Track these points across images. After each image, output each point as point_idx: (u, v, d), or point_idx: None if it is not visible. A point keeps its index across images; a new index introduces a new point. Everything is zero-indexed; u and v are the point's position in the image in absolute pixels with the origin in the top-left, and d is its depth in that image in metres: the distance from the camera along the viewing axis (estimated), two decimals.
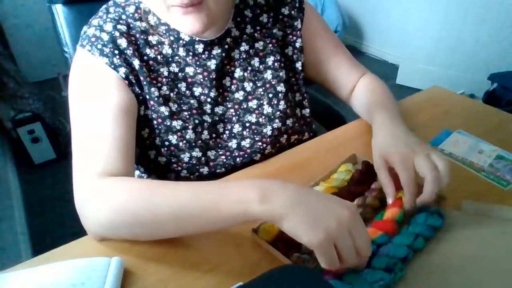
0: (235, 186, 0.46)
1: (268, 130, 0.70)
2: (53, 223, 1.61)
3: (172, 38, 0.63)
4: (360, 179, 0.60)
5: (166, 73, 0.64)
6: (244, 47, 0.68)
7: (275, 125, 0.70)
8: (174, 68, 0.65)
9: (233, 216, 0.44)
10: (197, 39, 0.63)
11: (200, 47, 0.64)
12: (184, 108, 0.65)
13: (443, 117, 0.83)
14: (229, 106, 0.69)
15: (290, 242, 0.50)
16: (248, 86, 0.69)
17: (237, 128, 0.69)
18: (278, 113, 0.70)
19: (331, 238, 0.40)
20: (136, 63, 0.61)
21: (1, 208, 1.53)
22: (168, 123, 0.64)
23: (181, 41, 0.64)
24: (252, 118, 0.69)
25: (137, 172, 0.75)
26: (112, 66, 0.59)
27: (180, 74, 0.65)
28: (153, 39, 0.63)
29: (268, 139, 0.70)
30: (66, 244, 0.54)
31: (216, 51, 0.65)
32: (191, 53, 0.65)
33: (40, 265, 0.49)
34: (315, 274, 0.38)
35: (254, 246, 0.53)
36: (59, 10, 0.82)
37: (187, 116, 0.66)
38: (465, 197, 0.59)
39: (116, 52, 0.60)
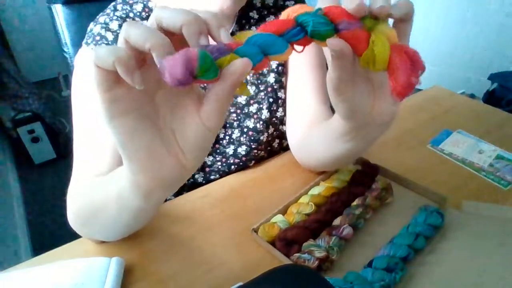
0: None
1: (264, 137, 0.69)
2: (53, 223, 1.61)
3: None
4: (360, 179, 0.60)
5: None
6: None
7: (270, 131, 0.70)
8: None
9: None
10: None
11: None
12: None
13: (443, 117, 0.83)
14: (231, 110, 0.68)
15: (290, 242, 0.50)
16: (251, 89, 0.68)
17: (236, 133, 0.68)
18: (274, 119, 0.70)
19: None
20: None
21: (1, 208, 1.53)
22: None
23: None
24: (251, 123, 0.68)
25: None
26: None
27: None
28: None
29: (263, 146, 0.70)
30: (66, 244, 0.54)
31: None
32: None
33: (40, 265, 0.49)
34: (315, 274, 0.38)
35: (254, 246, 0.53)
36: (59, 10, 0.81)
37: None
38: (465, 197, 0.59)
39: None
